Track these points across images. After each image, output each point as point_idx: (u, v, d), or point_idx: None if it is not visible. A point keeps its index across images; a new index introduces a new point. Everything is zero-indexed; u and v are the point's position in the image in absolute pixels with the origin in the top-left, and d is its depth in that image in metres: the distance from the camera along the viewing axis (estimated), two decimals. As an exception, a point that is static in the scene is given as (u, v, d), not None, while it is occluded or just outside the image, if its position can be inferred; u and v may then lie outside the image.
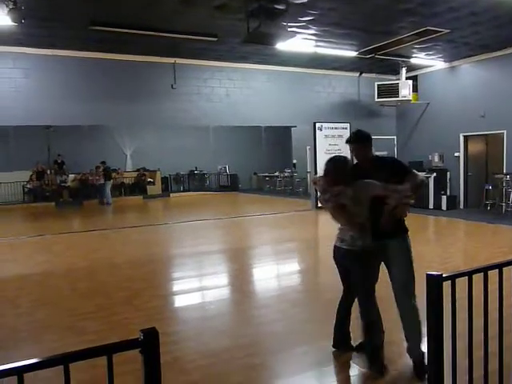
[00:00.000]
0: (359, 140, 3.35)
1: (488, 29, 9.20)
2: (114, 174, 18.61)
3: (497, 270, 2.32)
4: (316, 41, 9.74)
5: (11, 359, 1.36)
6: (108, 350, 1.43)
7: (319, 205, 13.35)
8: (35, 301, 5.34)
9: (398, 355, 3.44)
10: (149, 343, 1.43)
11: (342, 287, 3.53)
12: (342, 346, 3.55)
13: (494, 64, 11.53)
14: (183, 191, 20.83)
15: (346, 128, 13.47)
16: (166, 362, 2.69)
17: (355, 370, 3.36)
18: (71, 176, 18.36)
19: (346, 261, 3.33)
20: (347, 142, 3.39)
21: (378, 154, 3.70)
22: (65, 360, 1.39)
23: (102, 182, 17.14)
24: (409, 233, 3.34)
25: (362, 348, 3.43)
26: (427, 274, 2.15)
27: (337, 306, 3.57)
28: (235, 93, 12.11)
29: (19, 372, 1.31)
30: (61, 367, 1.38)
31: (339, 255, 3.36)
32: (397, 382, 3.18)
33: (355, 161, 3.40)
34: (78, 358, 1.42)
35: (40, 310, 5.00)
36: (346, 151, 12.91)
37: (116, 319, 4.53)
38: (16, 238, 9.93)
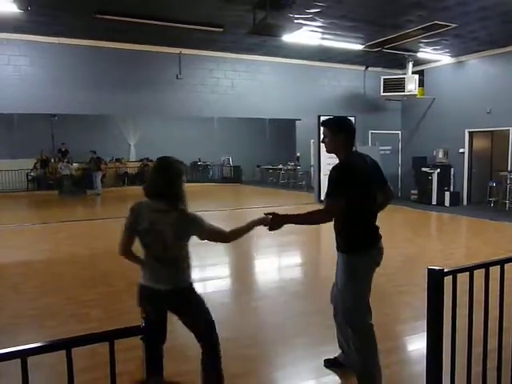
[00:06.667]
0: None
1: (497, 24, 9.10)
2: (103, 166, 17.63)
3: (498, 266, 2.32)
4: (322, 33, 9.67)
5: (14, 344, 1.37)
6: (110, 336, 1.45)
7: (322, 198, 13.36)
8: (38, 287, 5.38)
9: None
10: (150, 330, 1.45)
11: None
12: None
13: (501, 60, 11.42)
14: (186, 182, 20.67)
15: (350, 122, 13.42)
16: (166, 350, 2.72)
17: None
18: (75, 165, 18.37)
19: None
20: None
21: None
22: (67, 345, 1.40)
23: (67, 172, 17.21)
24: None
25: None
26: (429, 269, 2.15)
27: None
28: (240, 84, 12.06)
29: (22, 355, 1.32)
30: (63, 353, 1.39)
31: None
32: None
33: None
34: (81, 343, 1.43)
35: (43, 296, 5.03)
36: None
37: (118, 307, 4.56)
38: (20, 225, 9.98)
